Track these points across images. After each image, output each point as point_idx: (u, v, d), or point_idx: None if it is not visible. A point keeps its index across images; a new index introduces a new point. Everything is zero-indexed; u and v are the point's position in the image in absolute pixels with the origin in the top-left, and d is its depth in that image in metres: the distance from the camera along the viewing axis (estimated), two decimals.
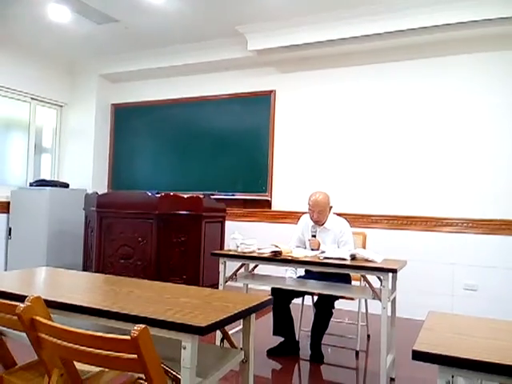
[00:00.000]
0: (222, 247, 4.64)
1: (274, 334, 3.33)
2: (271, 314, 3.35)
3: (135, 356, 1.19)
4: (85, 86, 6.32)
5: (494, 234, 4.22)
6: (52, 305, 1.57)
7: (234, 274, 3.16)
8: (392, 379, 2.91)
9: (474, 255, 4.27)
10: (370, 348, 3.60)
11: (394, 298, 2.94)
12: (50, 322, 1.38)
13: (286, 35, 4.78)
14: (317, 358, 3.20)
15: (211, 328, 1.36)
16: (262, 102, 5.43)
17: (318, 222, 3.41)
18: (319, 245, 3.31)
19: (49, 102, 6.21)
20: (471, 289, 4.26)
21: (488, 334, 1.46)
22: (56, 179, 6.18)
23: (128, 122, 6.35)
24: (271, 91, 5.38)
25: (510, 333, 1.50)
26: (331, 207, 3.46)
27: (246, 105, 5.54)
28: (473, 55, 4.41)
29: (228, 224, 4.94)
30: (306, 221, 3.54)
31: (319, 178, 4.96)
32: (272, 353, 3.29)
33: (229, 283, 3.14)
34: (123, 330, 1.35)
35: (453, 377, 1.22)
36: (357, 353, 3.41)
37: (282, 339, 3.35)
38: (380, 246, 3.73)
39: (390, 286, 2.72)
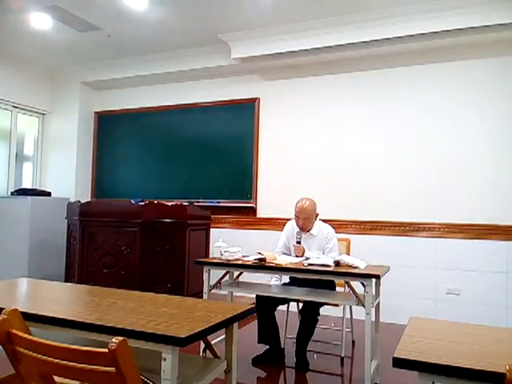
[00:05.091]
0: (206, 255, 4.61)
1: (259, 342, 3.31)
2: (257, 321, 3.33)
3: (113, 369, 1.16)
4: (67, 94, 6.26)
5: (475, 239, 4.27)
6: (30, 317, 1.54)
7: (219, 282, 3.15)
8: None
9: (455, 260, 4.32)
10: (354, 354, 3.60)
11: (378, 304, 2.95)
12: (26, 335, 1.34)
13: (270, 43, 4.81)
14: (302, 365, 3.19)
15: (191, 339, 1.35)
16: (247, 109, 5.44)
17: (304, 229, 3.41)
18: (304, 251, 3.30)
19: (31, 110, 6.14)
20: (454, 293, 4.30)
21: (468, 340, 1.47)
22: (38, 188, 6.09)
23: (112, 130, 6.30)
24: (255, 99, 5.40)
25: (490, 338, 1.51)
26: (317, 214, 3.46)
27: (230, 112, 5.54)
28: (456, 63, 4.48)
29: (213, 231, 4.92)
30: (291, 227, 3.53)
31: (304, 185, 4.97)
32: (257, 361, 3.27)
33: (213, 291, 3.13)
34: (106, 342, 1.33)
35: (433, 383, 1.22)
36: (342, 359, 3.41)
37: (267, 347, 3.33)
38: (364, 252, 3.74)
39: (373, 292, 2.74)
